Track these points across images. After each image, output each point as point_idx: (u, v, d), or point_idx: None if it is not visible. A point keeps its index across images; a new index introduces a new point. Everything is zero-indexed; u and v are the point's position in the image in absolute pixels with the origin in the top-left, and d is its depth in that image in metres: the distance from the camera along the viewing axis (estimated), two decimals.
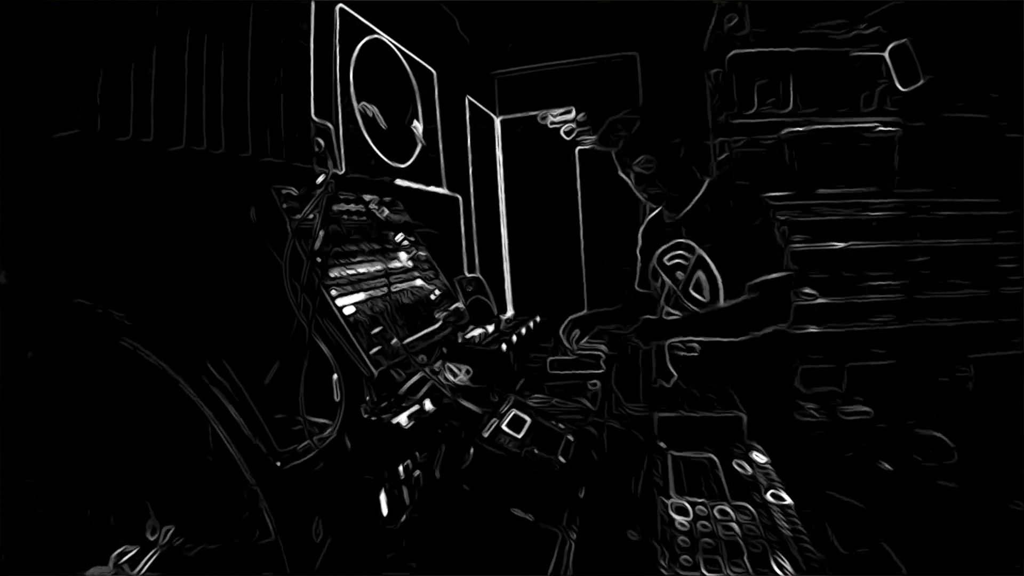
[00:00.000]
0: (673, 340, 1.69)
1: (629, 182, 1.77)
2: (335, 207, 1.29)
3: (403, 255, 1.61)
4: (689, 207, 1.74)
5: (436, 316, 1.56)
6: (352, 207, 1.42)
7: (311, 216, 1.14)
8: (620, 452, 1.29)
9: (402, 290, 1.48)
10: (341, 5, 1.47)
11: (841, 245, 2.63)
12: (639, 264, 1.99)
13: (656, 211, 1.95)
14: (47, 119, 0.78)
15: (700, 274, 1.68)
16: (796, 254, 1.67)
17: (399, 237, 1.63)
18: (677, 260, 1.75)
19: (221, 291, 1.04)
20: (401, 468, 0.99)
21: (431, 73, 2.06)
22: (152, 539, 0.79)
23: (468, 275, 2.32)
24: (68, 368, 0.80)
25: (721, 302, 1.63)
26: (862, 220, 2.65)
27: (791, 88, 2.62)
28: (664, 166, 1.69)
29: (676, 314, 1.75)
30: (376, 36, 1.67)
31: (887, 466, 2.17)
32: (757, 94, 2.63)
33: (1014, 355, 2.56)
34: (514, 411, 1.23)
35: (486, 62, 3.01)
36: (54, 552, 0.76)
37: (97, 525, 0.79)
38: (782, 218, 1.72)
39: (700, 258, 1.67)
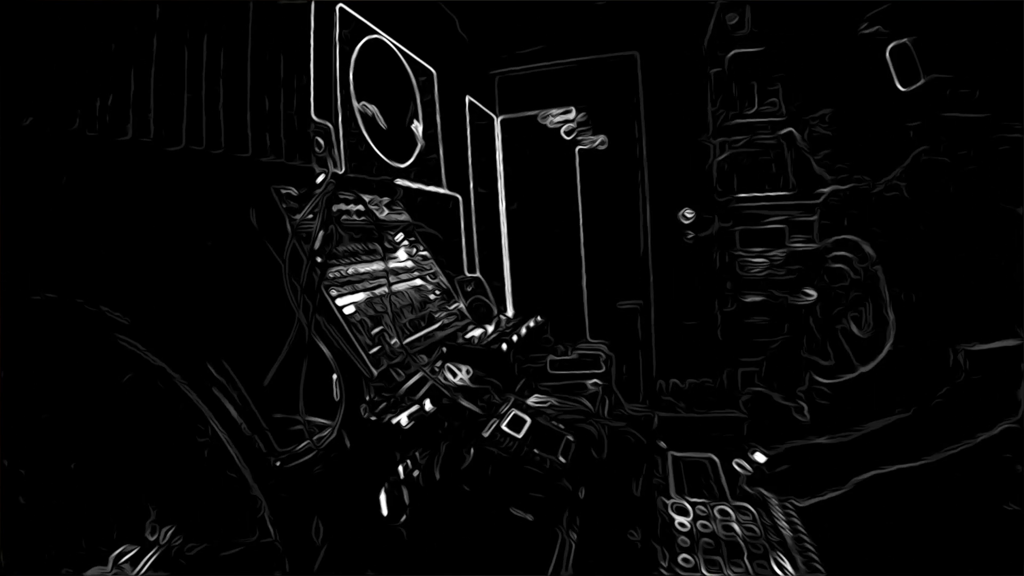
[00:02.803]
0: None
1: (798, 148, 1.26)
2: (335, 207, 1.29)
3: (403, 255, 1.61)
4: (889, 179, 1.26)
5: (436, 316, 1.56)
6: (352, 207, 1.42)
7: (311, 216, 1.14)
8: (620, 452, 1.29)
9: (402, 290, 1.48)
10: (341, 5, 1.47)
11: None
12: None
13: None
14: (47, 119, 0.78)
15: (867, 304, 1.27)
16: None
17: (399, 237, 1.63)
18: (841, 265, 1.36)
19: (221, 291, 1.04)
20: (401, 468, 0.99)
21: (431, 73, 2.06)
22: (152, 539, 0.79)
23: (468, 275, 2.32)
24: (68, 368, 0.80)
25: (887, 347, 1.20)
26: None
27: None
28: (854, 125, 1.17)
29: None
30: (376, 36, 1.67)
31: (887, 465, 2.16)
32: (757, 94, 2.62)
33: (1012, 353, 2.55)
34: (514, 411, 1.23)
35: (486, 62, 3.01)
36: (54, 552, 0.76)
37: (97, 525, 0.79)
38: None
39: (874, 277, 1.27)
